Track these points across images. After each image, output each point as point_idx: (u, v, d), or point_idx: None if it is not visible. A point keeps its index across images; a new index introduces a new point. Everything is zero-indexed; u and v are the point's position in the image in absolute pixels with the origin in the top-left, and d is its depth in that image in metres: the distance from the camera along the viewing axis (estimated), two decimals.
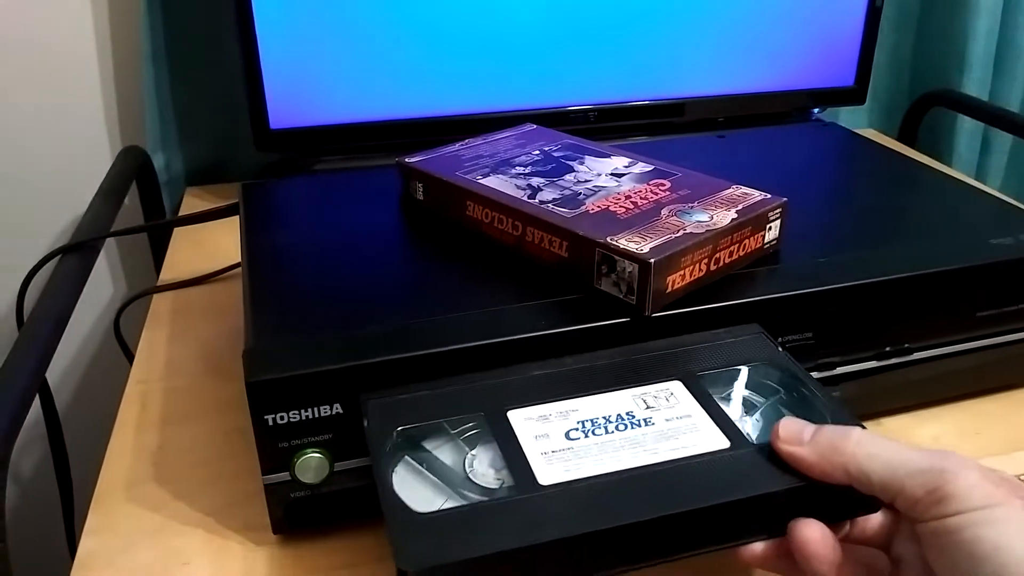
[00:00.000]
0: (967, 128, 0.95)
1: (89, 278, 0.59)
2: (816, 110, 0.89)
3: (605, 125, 0.82)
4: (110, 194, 0.68)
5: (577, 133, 0.59)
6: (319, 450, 0.39)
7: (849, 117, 0.99)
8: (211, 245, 0.73)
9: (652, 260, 0.40)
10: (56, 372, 0.89)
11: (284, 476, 0.39)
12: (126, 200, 0.85)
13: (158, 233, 0.82)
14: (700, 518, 0.33)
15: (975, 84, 0.93)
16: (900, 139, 0.98)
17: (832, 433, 0.34)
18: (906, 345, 0.47)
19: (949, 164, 0.97)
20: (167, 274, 0.69)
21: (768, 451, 0.35)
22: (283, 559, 0.41)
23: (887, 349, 0.47)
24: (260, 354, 0.39)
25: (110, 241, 0.87)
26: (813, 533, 0.33)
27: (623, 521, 0.32)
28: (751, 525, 0.34)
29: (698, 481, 0.34)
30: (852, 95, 0.88)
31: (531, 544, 0.31)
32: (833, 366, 0.46)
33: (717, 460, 0.35)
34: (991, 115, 0.90)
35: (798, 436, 0.34)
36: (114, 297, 0.89)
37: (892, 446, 0.33)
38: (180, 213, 0.81)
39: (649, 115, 0.83)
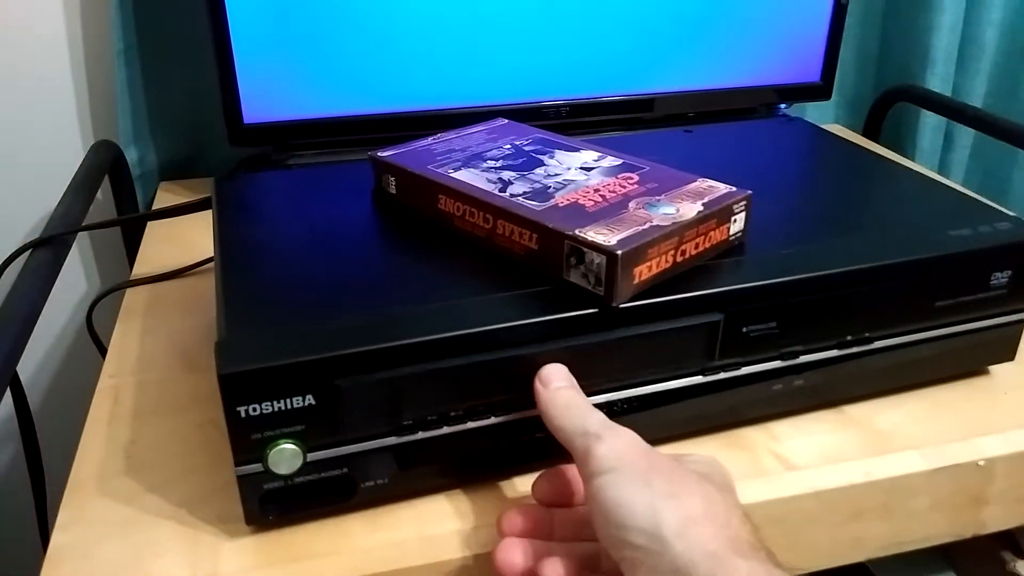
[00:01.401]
0: (930, 123, 0.97)
1: (62, 273, 0.59)
2: (783, 106, 0.91)
3: (577, 120, 0.83)
4: (82, 188, 0.67)
5: (550, 128, 0.60)
6: (292, 441, 0.39)
7: (816, 112, 1.00)
8: (185, 240, 0.73)
9: (620, 252, 0.40)
10: (29, 368, 0.88)
11: (257, 467, 0.39)
12: (99, 195, 0.85)
13: (131, 228, 0.81)
14: None
15: (938, 80, 0.95)
16: (865, 134, 1.00)
17: (560, 389, 0.40)
18: (867, 334, 0.49)
19: (913, 158, 0.98)
20: (140, 268, 0.69)
21: None
22: (257, 550, 0.41)
23: (848, 338, 0.48)
24: (232, 346, 0.39)
25: (83, 236, 0.86)
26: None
27: None
28: None
29: None
30: (818, 91, 0.90)
31: None
32: (796, 355, 0.47)
33: None
34: (953, 110, 0.92)
35: (548, 379, 0.40)
36: (88, 292, 0.89)
37: (581, 407, 0.39)
38: (154, 207, 0.81)
39: (620, 110, 0.84)
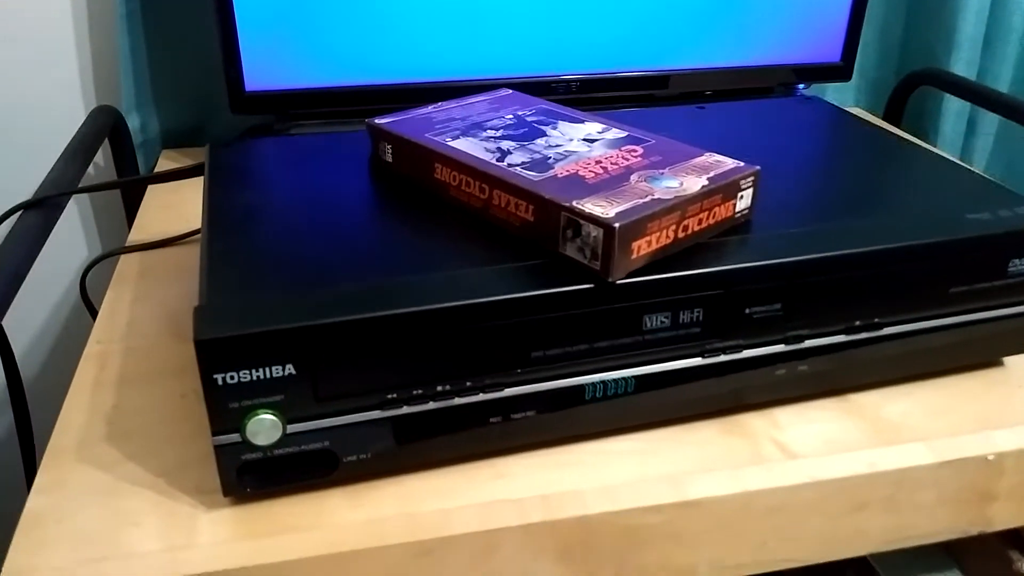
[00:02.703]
0: (954, 108, 0.94)
1: (61, 237, 0.58)
2: (801, 86, 0.88)
3: (587, 96, 0.80)
4: (77, 153, 0.66)
5: (559, 103, 0.58)
6: (271, 411, 0.38)
7: (836, 95, 0.98)
8: (183, 208, 0.72)
9: (617, 225, 0.39)
10: (24, 332, 0.87)
11: (235, 437, 0.38)
12: (101, 161, 0.84)
13: (131, 193, 0.80)
14: None
15: (963, 64, 0.92)
16: (886, 118, 0.97)
17: None
18: (876, 320, 0.47)
19: (935, 144, 0.96)
20: (136, 235, 0.68)
21: None
22: (234, 521, 0.40)
23: (857, 323, 0.46)
24: (212, 312, 0.38)
25: (83, 200, 0.85)
26: None
27: None
28: None
29: None
30: (838, 72, 0.87)
31: None
32: (801, 339, 0.45)
33: None
34: (978, 95, 0.89)
35: None
36: (87, 257, 0.88)
37: None
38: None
39: (632, 87, 0.82)
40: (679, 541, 0.42)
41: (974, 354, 0.51)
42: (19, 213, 0.58)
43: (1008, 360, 0.53)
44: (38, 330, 0.88)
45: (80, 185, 0.63)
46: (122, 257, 0.64)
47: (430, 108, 0.56)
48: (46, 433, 0.58)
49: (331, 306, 0.38)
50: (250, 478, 0.39)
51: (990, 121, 0.98)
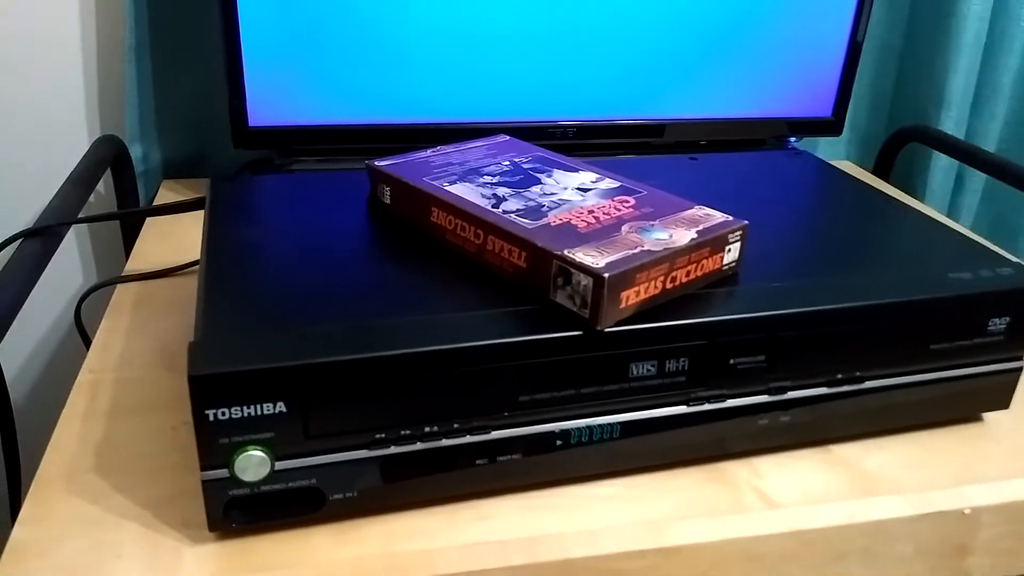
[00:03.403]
0: (942, 165, 0.96)
1: (59, 265, 0.59)
2: (793, 139, 0.90)
3: (584, 142, 0.82)
4: (80, 182, 0.67)
5: (555, 149, 0.59)
6: (260, 448, 0.38)
7: (827, 148, 1.00)
8: (181, 239, 0.73)
9: (607, 275, 0.40)
10: (16, 359, 0.87)
11: (223, 473, 0.39)
12: (102, 190, 0.85)
13: (129, 224, 0.81)
14: None
15: (952, 122, 0.94)
16: (876, 172, 0.99)
17: None
18: (858, 374, 0.47)
19: (922, 200, 0.97)
20: (133, 264, 0.69)
21: None
22: (218, 557, 0.40)
23: (838, 377, 0.47)
24: (206, 348, 0.38)
25: (82, 229, 0.86)
26: None
27: None
28: None
29: None
30: (829, 126, 0.89)
31: None
32: (784, 390, 0.46)
33: None
34: (966, 154, 0.91)
35: None
36: (83, 286, 0.88)
37: None
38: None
39: (628, 134, 0.84)
40: None
41: (953, 409, 0.52)
42: (19, 241, 0.59)
43: (987, 416, 0.53)
44: (29, 357, 0.88)
45: (81, 214, 0.64)
46: (118, 287, 0.65)
47: (429, 152, 0.57)
48: (34, 462, 0.59)
49: (324, 346, 0.39)
50: (237, 514, 0.40)
51: (977, 179, 1.00)
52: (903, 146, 0.97)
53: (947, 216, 0.98)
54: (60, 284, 0.86)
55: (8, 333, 0.52)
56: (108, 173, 0.81)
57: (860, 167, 1.01)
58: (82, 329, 0.67)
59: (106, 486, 0.44)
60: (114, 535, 0.41)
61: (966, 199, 1.01)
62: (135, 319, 0.60)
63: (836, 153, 1.01)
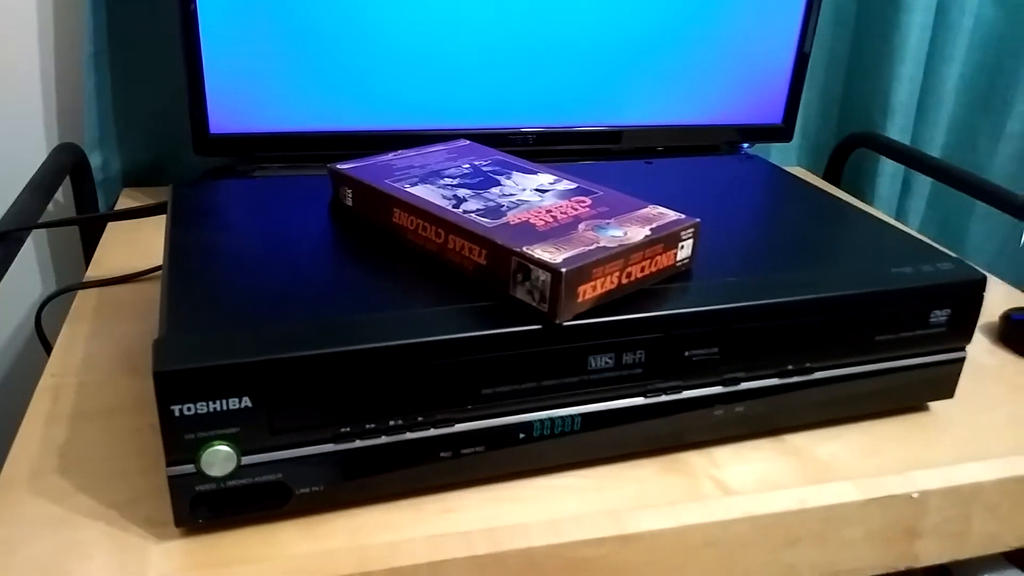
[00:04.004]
0: (889, 170, 1.00)
1: (18, 273, 0.59)
2: (745, 145, 0.93)
3: (544, 148, 0.84)
4: (39, 189, 0.67)
5: (516, 155, 0.61)
6: (226, 443, 0.39)
7: (779, 154, 1.03)
8: (141, 245, 0.73)
9: (564, 270, 0.41)
10: None
11: (189, 468, 0.39)
12: (61, 198, 0.84)
13: (89, 231, 0.81)
14: None
15: (898, 129, 0.98)
16: (826, 178, 1.02)
17: None
18: (808, 365, 0.49)
19: (871, 204, 1.01)
20: (94, 271, 0.68)
21: None
22: (186, 553, 0.40)
23: (789, 367, 0.49)
24: (170, 345, 0.39)
25: (40, 236, 0.85)
26: None
27: None
28: None
29: None
30: (780, 133, 0.92)
31: None
32: (737, 381, 0.48)
33: None
34: (912, 159, 0.94)
35: None
36: (43, 293, 0.87)
37: None
38: None
39: (587, 140, 0.85)
40: (621, 573, 0.44)
41: (901, 399, 0.54)
42: None
43: (933, 405, 0.56)
44: None
45: (40, 220, 0.63)
46: (79, 293, 0.64)
47: (390, 155, 0.58)
48: None
49: (288, 341, 0.39)
50: (203, 509, 0.40)
51: (923, 183, 1.04)
52: (852, 152, 1.00)
53: (895, 219, 1.01)
54: (20, 292, 0.86)
55: None
56: (67, 182, 0.81)
57: (811, 172, 1.04)
58: (43, 336, 0.66)
59: (70, 487, 0.44)
60: (80, 534, 0.41)
61: (913, 203, 1.05)
62: (96, 325, 0.60)
63: (788, 159, 1.04)
